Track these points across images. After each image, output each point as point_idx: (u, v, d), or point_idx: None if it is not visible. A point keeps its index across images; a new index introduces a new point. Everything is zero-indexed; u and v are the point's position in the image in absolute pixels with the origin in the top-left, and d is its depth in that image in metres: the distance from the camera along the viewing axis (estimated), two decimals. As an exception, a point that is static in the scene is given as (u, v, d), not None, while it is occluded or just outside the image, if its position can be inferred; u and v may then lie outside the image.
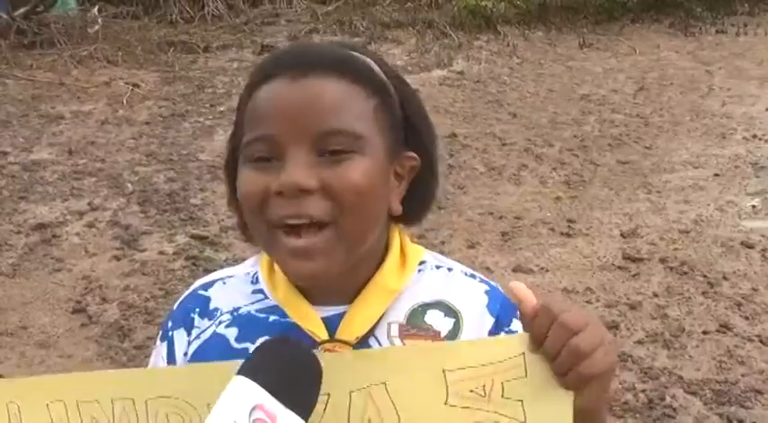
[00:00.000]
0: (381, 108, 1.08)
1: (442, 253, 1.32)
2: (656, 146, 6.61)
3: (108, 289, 4.38)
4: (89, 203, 5.39)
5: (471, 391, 1.01)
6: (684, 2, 11.00)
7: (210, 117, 7.13)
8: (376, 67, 1.10)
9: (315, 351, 1.02)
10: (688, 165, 6.20)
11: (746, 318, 4.13)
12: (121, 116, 7.15)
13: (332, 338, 1.09)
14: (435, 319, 1.14)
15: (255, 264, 1.22)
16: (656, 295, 4.33)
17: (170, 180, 5.78)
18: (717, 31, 10.51)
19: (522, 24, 10.51)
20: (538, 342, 0.98)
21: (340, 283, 1.09)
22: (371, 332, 1.11)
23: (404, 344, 1.11)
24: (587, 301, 4.26)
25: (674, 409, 3.47)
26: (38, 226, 5.07)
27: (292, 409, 0.91)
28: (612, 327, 4.01)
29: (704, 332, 4.00)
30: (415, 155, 1.12)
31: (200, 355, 1.15)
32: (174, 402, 1.05)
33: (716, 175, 5.99)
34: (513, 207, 5.43)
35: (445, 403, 1.01)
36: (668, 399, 3.52)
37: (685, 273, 4.55)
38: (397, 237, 1.18)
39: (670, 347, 3.87)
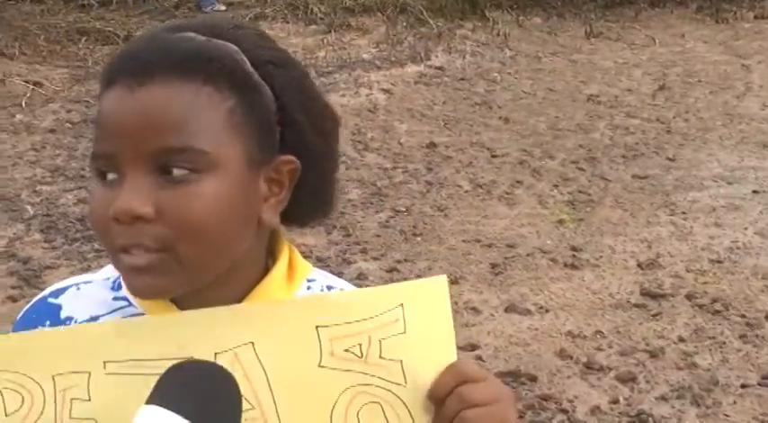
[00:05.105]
0: (241, 108, 1.13)
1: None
2: (681, 157, 6.67)
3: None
4: (-22, 231, 5.34)
5: (347, 350, 1.11)
6: (715, -18, 11.14)
7: (131, 123, 7.10)
8: (239, 56, 1.15)
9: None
10: (720, 180, 6.27)
11: (793, 367, 4.17)
12: (19, 123, 7.10)
13: None
14: None
15: None
16: (682, 340, 4.35)
17: (81, 202, 5.73)
18: (755, 17, 10.65)
19: (516, 9, 10.61)
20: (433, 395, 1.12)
21: (211, 293, 1.17)
22: None
23: None
24: (597, 348, 4.27)
25: (706, 481, 3.49)
26: None
27: None
28: (629, 379, 4.02)
29: (743, 385, 4.02)
30: (292, 158, 1.18)
31: None
32: (9, 376, 1.12)
33: (755, 192, 6.06)
34: (506, 233, 5.45)
35: (319, 365, 1.11)
36: (698, 467, 3.54)
37: (718, 312, 4.58)
38: (287, 248, 1.26)
39: (701, 405, 3.89)
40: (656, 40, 9.74)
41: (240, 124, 1.12)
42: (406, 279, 4.64)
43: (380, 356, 1.11)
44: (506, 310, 4.59)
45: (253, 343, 1.11)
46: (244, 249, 1.17)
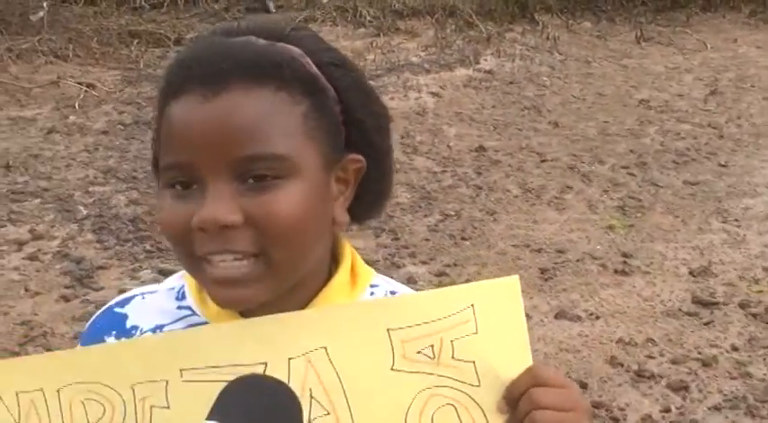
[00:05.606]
0: (313, 112, 1.14)
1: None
2: (734, 163, 6.60)
3: (54, 337, 4.36)
4: (31, 231, 5.39)
5: (419, 352, 1.11)
6: (768, -15, 11.02)
7: (182, 125, 7.15)
8: (304, 59, 1.16)
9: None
10: (773, 187, 6.20)
11: None
12: (72, 123, 7.17)
13: None
14: None
15: (181, 278, 1.29)
16: (735, 349, 4.30)
17: (132, 203, 5.78)
18: (808, 22, 10.52)
19: (566, 13, 10.56)
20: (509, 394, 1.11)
21: (279, 300, 1.16)
22: None
23: None
24: (648, 355, 4.23)
25: (760, 493, 3.44)
26: (-32, 258, 5.08)
27: None
28: (681, 388, 3.98)
29: (797, 396, 3.98)
30: (359, 157, 1.19)
31: None
32: (91, 387, 1.14)
33: (808, 199, 5.99)
34: (555, 238, 5.42)
35: (392, 368, 1.11)
36: (752, 479, 3.49)
37: (771, 321, 4.54)
38: (349, 252, 1.27)
39: (755, 415, 3.84)
40: (708, 45, 9.66)
41: (314, 128, 1.13)
42: (454, 283, 4.61)
43: (453, 357, 1.11)
44: (556, 317, 4.56)
45: (326, 347, 1.11)
46: (317, 255, 1.18)
